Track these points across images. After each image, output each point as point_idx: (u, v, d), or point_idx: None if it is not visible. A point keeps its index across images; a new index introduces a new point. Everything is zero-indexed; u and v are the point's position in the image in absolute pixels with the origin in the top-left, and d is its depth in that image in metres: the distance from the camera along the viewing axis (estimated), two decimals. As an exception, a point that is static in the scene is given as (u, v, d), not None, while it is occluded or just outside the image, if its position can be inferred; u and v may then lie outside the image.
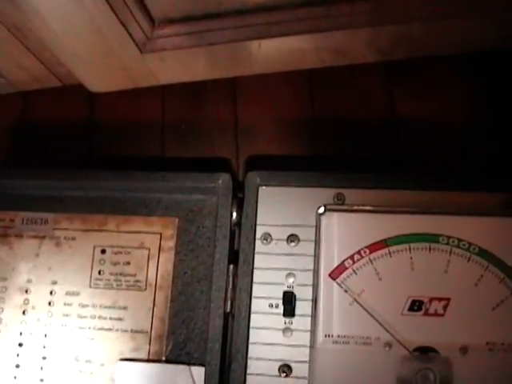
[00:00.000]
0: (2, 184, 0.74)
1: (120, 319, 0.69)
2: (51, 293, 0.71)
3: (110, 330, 0.70)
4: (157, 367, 0.68)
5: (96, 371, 0.69)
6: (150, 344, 0.68)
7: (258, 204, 0.66)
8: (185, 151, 0.78)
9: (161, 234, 0.70)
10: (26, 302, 0.72)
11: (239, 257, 0.65)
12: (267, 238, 0.64)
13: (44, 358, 0.69)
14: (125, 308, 0.69)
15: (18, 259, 0.73)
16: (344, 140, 0.73)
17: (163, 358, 0.66)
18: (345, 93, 0.74)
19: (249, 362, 0.62)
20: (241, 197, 0.66)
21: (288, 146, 0.74)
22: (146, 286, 0.69)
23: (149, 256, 0.70)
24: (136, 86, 0.78)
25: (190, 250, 0.68)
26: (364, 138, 0.73)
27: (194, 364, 0.66)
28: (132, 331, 0.69)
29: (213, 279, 0.66)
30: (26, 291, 0.72)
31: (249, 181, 0.65)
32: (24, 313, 0.71)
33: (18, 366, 0.69)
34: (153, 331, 0.67)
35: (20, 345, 0.71)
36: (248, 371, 0.63)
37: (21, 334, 0.71)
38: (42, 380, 0.68)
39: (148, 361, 0.67)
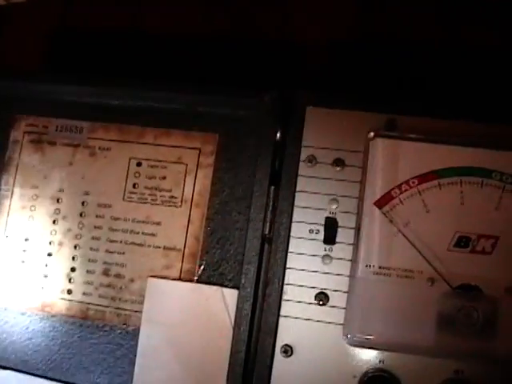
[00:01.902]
0: (36, 89, 0.73)
1: (153, 235, 0.69)
2: (83, 203, 0.71)
3: (141, 245, 0.69)
4: (188, 287, 0.67)
5: (125, 286, 0.69)
6: (182, 262, 0.67)
7: (305, 125, 0.65)
8: (231, 66, 0.74)
9: (200, 149, 0.68)
10: (57, 211, 0.71)
11: (281, 178, 0.64)
12: (312, 160, 0.62)
13: (73, 270, 0.69)
14: (158, 223, 0.69)
15: (51, 167, 0.72)
16: (399, 64, 0.70)
17: (195, 278, 0.66)
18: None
19: (285, 287, 0.61)
20: (287, 116, 0.64)
21: (340, 66, 0.71)
22: (181, 202, 0.68)
23: (186, 172, 0.68)
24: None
25: (229, 168, 0.66)
26: (421, 65, 0.69)
27: (227, 286, 0.65)
28: (164, 248, 0.68)
29: (252, 200, 0.64)
30: (58, 200, 0.72)
31: (296, 100, 0.63)
32: (54, 222, 0.71)
33: (45, 276, 0.69)
34: (186, 249, 0.66)
35: (49, 254, 0.70)
36: (283, 297, 0.62)
37: (50, 243, 0.71)
38: (69, 292, 0.68)
39: (179, 279, 0.66)
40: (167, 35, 0.78)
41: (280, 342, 0.61)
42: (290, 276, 0.62)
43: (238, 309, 0.64)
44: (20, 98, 0.73)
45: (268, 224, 0.64)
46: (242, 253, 0.65)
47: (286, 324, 0.62)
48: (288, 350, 0.62)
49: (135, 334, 0.65)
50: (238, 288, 0.63)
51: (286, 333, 0.62)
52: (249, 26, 0.77)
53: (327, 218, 0.63)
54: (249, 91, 0.67)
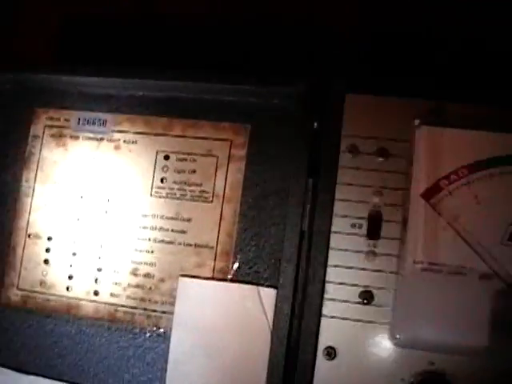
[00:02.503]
0: (56, 80, 0.70)
1: (183, 232, 0.66)
2: (108, 200, 0.68)
3: (171, 243, 0.66)
4: (221, 286, 0.64)
5: (155, 286, 0.66)
6: (215, 260, 0.64)
7: (344, 113, 0.62)
8: (262, 53, 0.70)
9: (231, 141, 0.65)
10: (81, 208, 0.69)
11: (320, 170, 0.61)
12: (353, 150, 0.59)
13: (99, 270, 0.67)
14: (188, 220, 0.66)
15: (74, 162, 0.70)
16: (445, 49, 0.66)
17: (229, 277, 0.63)
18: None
19: (326, 286, 0.58)
20: (324, 104, 0.61)
21: (379, 51, 0.67)
22: (212, 197, 0.65)
23: (217, 165, 0.65)
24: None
25: (263, 161, 0.63)
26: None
27: (264, 285, 0.63)
28: (196, 246, 0.65)
29: (289, 193, 0.62)
30: (81, 197, 0.69)
31: (334, 86, 0.60)
32: (78, 220, 0.69)
33: (70, 277, 0.67)
34: (219, 247, 0.63)
35: (74, 254, 0.68)
36: (325, 296, 0.60)
37: (75, 242, 0.68)
38: (96, 293, 0.65)
39: (212, 278, 0.63)
40: (189, 21, 0.74)
41: (322, 344, 0.58)
42: (331, 274, 0.59)
43: (277, 309, 0.61)
44: (39, 91, 0.71)
45: (307, 219, 0.61)
46: (278, 250, 0.62)
47: (329, 325, 0.59)
48: (331, 353, 0.59)
49: (166, 336, 0.62)
50: (275, 287, 0.61)
51: (328, 334, 0.59)
52: (280, 9, 0.72)
53: (371, 212, 0.60)
54: (282, 79, 0.64)
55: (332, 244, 0.60)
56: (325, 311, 0.59)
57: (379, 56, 0.67)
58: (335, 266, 0.60)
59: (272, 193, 0.64)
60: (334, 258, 0.60)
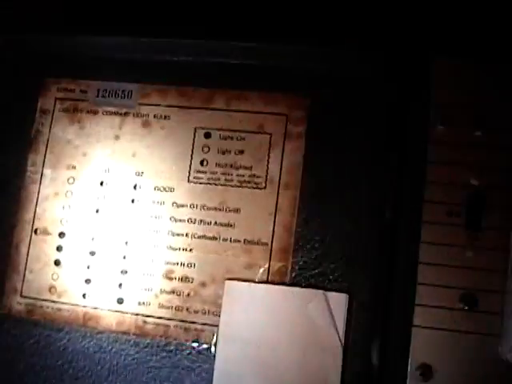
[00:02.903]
0: (68, 44, 0.59)
1: (229, 226, 0.55)
2: (135, 187, 0.57)
3: (214, 239, 0.55)
4: (279, 291, 0.53)
5: (195, 293, 0.55)
6: (270, 260, 0.54)
7: (434, 81, 0.52)
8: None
9: (287, 115, 0.55)
10: (101, 198, 0.58)
11: (405, 147, 0.51)
12: (445, 122, 0.51)
13: (124, 273, 0.56)
14: (236, 211, 0.55)
15: (92, 142, 0.58)
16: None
17: (287, 280, 0.52)
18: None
19: (418, 288, 0.49)
20: (406, 72, 0.52)
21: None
22: (265, 182, 0.55)
23: (270, 144, 0.55)
24: None
25: (326, 139, 0.53)
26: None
27: (332, 289, 0.52)
28: (246, 242, 0.54)
29: (362, 176, 0.52)
30: (102, 184, 0.58)
31: (419, 51, 0.52)
32: (98, 211, 0.57)
33: (88, 281, 0.56)
34: (274, 243, 0.53)
35: (92, 253, 0.57)
36: (416, 301, 0.49)
37: (93, 239, 0.57)
38: (120, 301, 0.55)
39: (267, 282, 0.53)
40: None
41: (414, 362, 0.49)
42: (423, 274, 0.50)
43: (351, 319, 0.51)
44: (47, 56, 0.60)
45: (390, 206, 0.51)
46: (352, 245, 0.52)
47: (422, 337, 0.49)
48: (426, 372, 0.48)
49: (209, 354, 0.53)
50: (347, 291, 0.51)
51: (421, 349, 0.49)
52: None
53: (471, 196, 0.50)
54: (352, 41, 0.54)
55: (423, 237, 0.50)
56: (416, 320, 0.49)
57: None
58: (428, 264, 0.50)
59: (341, 176, 0.54)
60: (425, 254, 0.50)
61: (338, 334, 0.50)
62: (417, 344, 0.49)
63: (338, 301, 0.51)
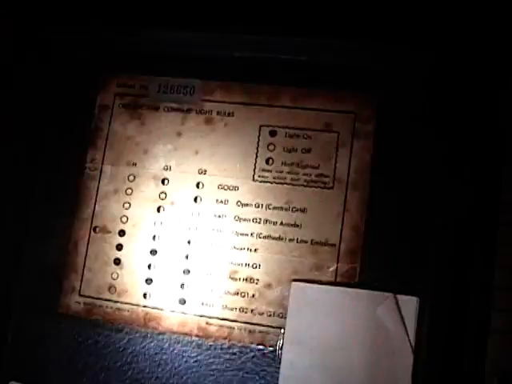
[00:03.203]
0: (129, 37, 0.58)
1: (295, 226, 0.54)
2: (198, 185, 0.56)
3: (280, 239, 0.54)
4: (347, 293, 0.51)
5: (260, 294, 0.53)
6: (337, 261, 0.52)
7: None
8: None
9: (355, 114, 0.54)
10: (163, 195, 0.56)
11: (478, 151, 0.50)
12: None
13: (186, 273, 0.55)
14: (303, 211, 0.54)
15: (153, 139, 0.57)
16: None
17: (356, 282, 0.51)
18: None
19: (494, 292, 0.47)
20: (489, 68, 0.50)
21: None
22: (333, 182, 0.53)
23: (338, 142, 0.54)
24: None
25: (395, 138, 0.52)
26: None
27: (403, 292, 0.50)
28: (313, 243, 0.53)
29: (431, 177, 0.51)
30: (163, 182, 0.57)
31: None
32: (159, 210, 0.56)
33: (149, 281, 0.55)
34: (342, 244, 0.52)
35: (153, 253, 0.56)
36: (494, 305, 0.47)
37: (154, 238, 0.56)
38: (182, 301, 0.55)
39: (335, 283, 0.52)
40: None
41: (492, 369, 0.47)
42: (501, 275, 0.48)
43: (422, 322, 0.49)
44: (107, 51, 0.59)
45: (463, 206, 0.50)
46: (422, 246, 0.51)
47: (500, 343, 0.47)
48: (505, 380, 0.46)
49: (274, 357, 0.51)
50: (417, 294, 0.49)
51: (500, 355, 0.47)
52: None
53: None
54: (423, 40, 0.52)
55: (501, 238, 0.48)
56: (494, 325, 0.47)
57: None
58: (506, 267, 0.48)
59: (410, 177, 0.53)
60: (505, 255, 0.48)
61: (408, 337, 0.49)
62: (494, 350, 0.47)
63: (409, 304, 0.50)
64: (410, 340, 0.49)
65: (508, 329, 0.46)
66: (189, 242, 0.53)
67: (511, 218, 0.47)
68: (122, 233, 0.54)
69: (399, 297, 0.50)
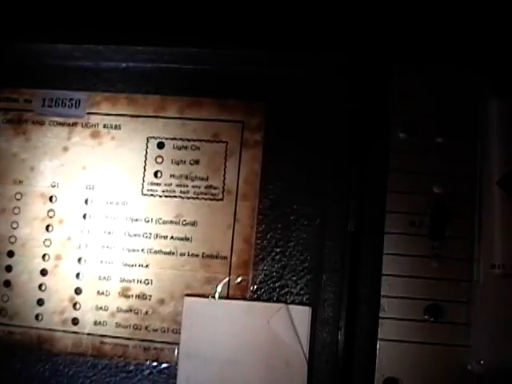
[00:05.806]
0: (12, 49, 0.57)
1: (186, 239, 0.54)
2: (86, 202, 0.56)
3: (171, 253, 0.54)
4: (240, 306, 0.52)
5: (153, 310, 0.54)
6: (229, 274, 0.53)
7: (393, 87, 0.52)
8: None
9: (243, 122, 0.54)
10: (52, 213, 0.56)
11: (366, 156, 0.51)
12: (408, 129, 0.50)
13: (78, 292, 0.54)
14: (193, 224, 0.54)
15: (39, 155, 0.56)
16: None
17: (249, 295, 0.51)
18: None
19: (382, 301, 0.49)
20: (366, 77, 0.51)
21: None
22: (222, 193, 0.54)
23: (226, 153, 0.54)
24: None
25: (285, 147, 0.53)
26: None
27: (295, 303, 0.51)
28: (204, 256, 0.53)
29: (323, 186, 0.52)
30: (51, 199, 0.56)
31: (379, 56, 0.52)
32: (48, 229, 0.56)
33: (40, 303, 0.55)
34: (234, 257, 0.52)
35: (43, 273, 0.55)
36: (381, 314, 0.49)
37: (44, 257, 0.55)
38: (75, 321, 0.55)
39: (227, 297, 0.52)
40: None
41: (380, 376, 0.48)
42: (387, 286, 0.49)
43: (314, 333, 0.50)
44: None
45: (353, 217, 0.50)
46: (314, 257, 0.52)
47: (387, 350, 0.49)
48: (392, 386, 0.45)
49: (170, 373, 0.52)
50: (309, 305, 0.50)
51: (387, 362, 0.48)
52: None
53: (434, 206, 0.50)
54: (311, 45, 0.52)
55: (387, 248, 0.50)
56: (381, 333, 0.49)
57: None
58: (391, 276, 0.50)
59: (300, 186, 0.53)
60: (390, 265, 0.50)
61: (302, 348, 0.50)
62: (383, 357, 0.49)
63: (301, 314, 0.51)
64: (303, 350, 0.49)
65: (395, 337, 0.47)
66: (79, 260, 0.53)
67: (395, 229, 0.47)
68: (10, 253, 0.54)
69: (291, 307, 0.51)
